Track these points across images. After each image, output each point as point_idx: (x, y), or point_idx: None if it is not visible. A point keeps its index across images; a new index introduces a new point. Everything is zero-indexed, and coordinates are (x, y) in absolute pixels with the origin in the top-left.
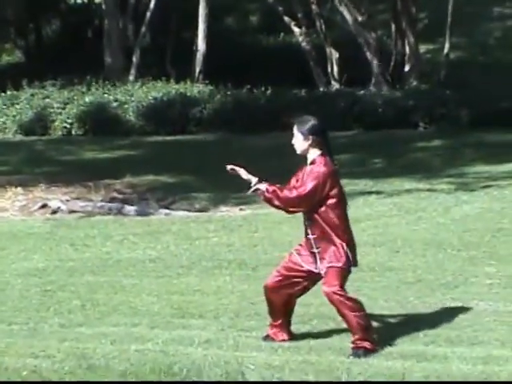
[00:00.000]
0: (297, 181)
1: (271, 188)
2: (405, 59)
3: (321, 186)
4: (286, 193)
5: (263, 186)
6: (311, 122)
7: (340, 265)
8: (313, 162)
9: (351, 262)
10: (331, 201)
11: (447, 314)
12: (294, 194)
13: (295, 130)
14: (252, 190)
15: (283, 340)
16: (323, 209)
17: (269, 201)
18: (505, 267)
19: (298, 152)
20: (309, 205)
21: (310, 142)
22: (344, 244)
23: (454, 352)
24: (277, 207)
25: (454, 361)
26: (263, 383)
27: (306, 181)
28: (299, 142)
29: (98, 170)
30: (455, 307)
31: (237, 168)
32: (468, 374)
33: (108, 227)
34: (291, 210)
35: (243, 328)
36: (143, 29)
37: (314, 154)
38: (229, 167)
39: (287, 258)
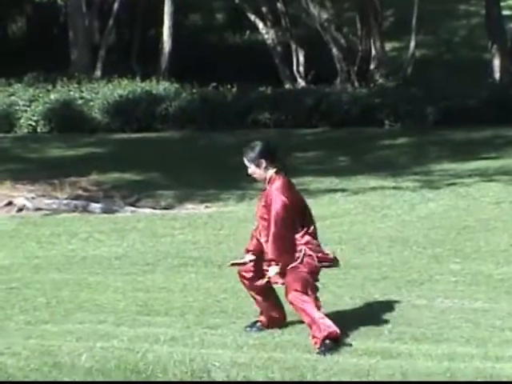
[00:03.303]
0: (264, 206)
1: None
2: (370, 57)
3: (288, 205)
4: (273, 247)
5: (273, 272)
6: (256, 147)
7: None
8: (271, 181)
9: None
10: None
11: (412, 312)
12: (273, 241)
13: (245, 161)
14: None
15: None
16: None
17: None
18: (470, 265)
19: (259, 180)
20: (288, 226)
21: (263, 165)
22: None
23: (419, 349)
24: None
25: (419, 358)
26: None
27: (272, 209)
28: (254, 171)
29: (64, 168)
30: (420, 305)
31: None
32: (433, 371)
33: (73, 225)
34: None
35: (209, 325)
36: (109, 26)
37: (270, 174)
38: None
39: None
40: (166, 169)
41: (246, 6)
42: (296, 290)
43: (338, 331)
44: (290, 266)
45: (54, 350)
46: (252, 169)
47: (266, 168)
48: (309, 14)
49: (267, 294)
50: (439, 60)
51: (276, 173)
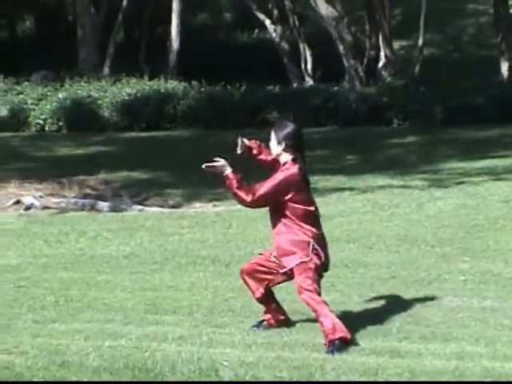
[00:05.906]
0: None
1: (238, 177)
2: (379, 55)
3: (279, 190)
4: (242, 192)
5: (229, 171)
6: (288, 128)
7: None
8: (284, 165)
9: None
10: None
11: (421, 311)
12: (249, 197)
13: (272, 133)
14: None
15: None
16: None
17: (229, 185)
18: (478, 263)
19: (273, 155)
20: (263, 205)
21: (282, 147)
22: None
23: (428, 348)
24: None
25: (427, 357)
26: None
27: (265, 182)
28: (273, 146)
29: (72, 166)
30: (429, 303)
31: (216, 163)
32: (442, 370)
33: (82, 223)
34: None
35: (217, 324)
36: (117, 25)
37: (285, 158)
38: (204, 165)
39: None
40: (174, 167)
41: (254, 5)
42: (308, 290)
43: (350, 336)
44: (299, 262)
45: (61, 348)
46: (274, 143)
47: (284, 150)
48: (317, 12)
49: (269, 298)
50: (447, 59)
51: (293, 160)
